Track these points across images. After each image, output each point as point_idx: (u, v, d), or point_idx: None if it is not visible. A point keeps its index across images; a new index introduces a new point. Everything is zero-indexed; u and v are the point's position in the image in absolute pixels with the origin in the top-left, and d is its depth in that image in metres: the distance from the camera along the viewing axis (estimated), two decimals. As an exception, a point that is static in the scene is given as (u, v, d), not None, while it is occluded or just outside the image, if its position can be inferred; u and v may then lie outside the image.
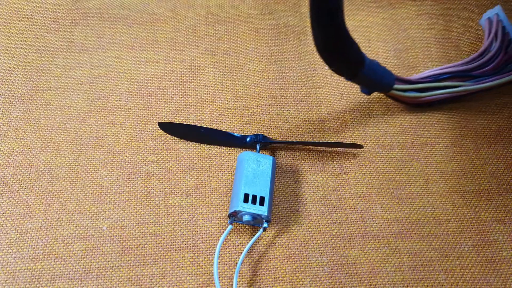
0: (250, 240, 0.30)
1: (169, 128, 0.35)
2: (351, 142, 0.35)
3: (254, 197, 0.30)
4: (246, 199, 0.30)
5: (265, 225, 0.30)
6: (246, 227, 0.31)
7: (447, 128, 0.36)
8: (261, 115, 0.37)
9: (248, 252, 0.30)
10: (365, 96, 0.38)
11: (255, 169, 0.31)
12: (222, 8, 0.43)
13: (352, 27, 0.42)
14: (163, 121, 0.36)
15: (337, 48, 0.28)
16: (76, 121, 0.36)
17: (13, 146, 0.35)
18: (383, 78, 0.33)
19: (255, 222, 0.30)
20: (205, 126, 0.35)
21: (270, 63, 0.40)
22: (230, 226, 0.30)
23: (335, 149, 0.35)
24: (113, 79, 0.39)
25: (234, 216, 0.30)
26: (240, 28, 0.42)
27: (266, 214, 0.29)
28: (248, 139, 0.34)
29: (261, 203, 0.30)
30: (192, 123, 0.36)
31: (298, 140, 0.35)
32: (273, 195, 0.33)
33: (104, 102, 0.37)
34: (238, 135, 0.35)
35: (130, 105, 0.37)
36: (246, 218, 0.30)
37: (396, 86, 0.34)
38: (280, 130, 0.36)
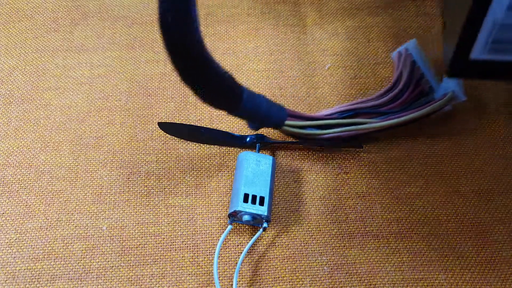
0: (250, 240, 0.30)
1: (169, 128, 0.35)
2: (351, 142, 0.35)
3: (254, 197, 0.30)
4: (246, 199, 0.30)
5: (265, 225, 0.30)
6: (246, 227, 0.31)
7: (446, 128, 0.36)
8: (261, 115, 0.37)
9: (248, 252, 0.30)
10: (365, 97, 0.38)
11: (255, 169, 0.31)
12: (221, 8, 0.43)
13: (352, 27, 0.42)
14: (163, 121, 0.36)
15: (200, 77, 0.25)
16: (76, 121, 0.36)
17: (12, 146, 0.35)
18: (270, 112, 0.30)
19: (255, 222, 0.30)
20: (205, 126, 0.35)
21: (270, 62, 0.40)
22: (230, 226, 0.30)
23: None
24: (113, 79, 0.39)
25: (234, 216, 0.30)
26: (239, 28, 0.42)
27: (266, 214, 0.29)
28: (248, 139, 0.34)
29: (261, 203, 0.30)
30: (192, 123, 0.36)
31: (298, 140, 0.35)
32: (273, 195, 0.33)
33: (104, 102, 0.37)
34: (238, 135, 0.35)
35: (130, 105, 0.37)
36: (246, 218, 0.30)
37: (289, 122, 0.32)
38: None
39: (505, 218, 0.32)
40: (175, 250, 0.31)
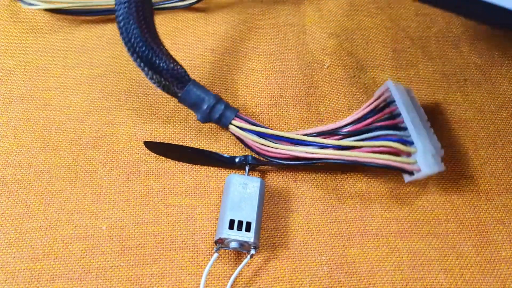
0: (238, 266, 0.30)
1: (156, 147, 0.34)
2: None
3: (240, 222, 0.29)
4: (231, 225, 0.28)
5: (252, 251, 0.29)
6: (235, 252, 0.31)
7: (446, 129, 0.36)
8: (260, 115, 0.37)
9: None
10: (364, 95, 0.38)
11: (242, 193, 0.30)
12: (221, 7, 0.44)
13: (350, 28, 0.42)
14: (163, 121, 0.36)
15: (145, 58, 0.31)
16: (75, 120, 0.36)
17: (12, 146, 0.35)
18: (215, 107, 0.32)
19: (243, 249, 0.29)
20: (192, 147, 0.34)
21: (270, 62, 0.40)
22: (215, 254, 0.29)
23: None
24: (113, 79, 0.39)
25: (221, 243, 0.29)
26: (239, 27, 0.42)
27: (252, 240, 0.28)
28: (237, 159, 0.33)
29: (248, 229, 0.28)
30: (191, 122, 0.36)
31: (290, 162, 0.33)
32: (262, 219, 0.31)
33: (104, 101, 0.37)
34: (227, 156, 0.33)
35: (130, 104, 0.37)
36: (233, 245, 0.29)
37: (236, 122, 0.32)
38: (280, 129, 0.36)
39: (505, 218, 0.32)
40: (175, 250, 0.31)
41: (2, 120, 0.36)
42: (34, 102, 0.37)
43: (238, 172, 0.33)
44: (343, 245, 0.31)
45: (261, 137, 0.32)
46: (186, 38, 0.42)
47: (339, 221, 0.32)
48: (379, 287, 0.29)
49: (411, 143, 0.30)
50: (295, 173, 0.34)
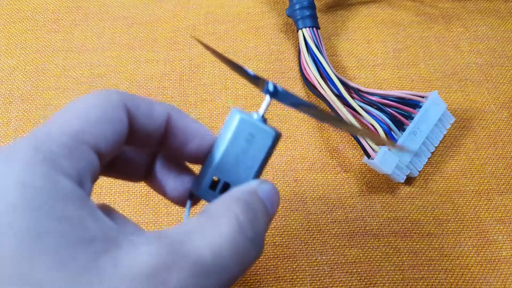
0: None
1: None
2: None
3: (226, 186, 0.20)
4: (214, 186, 0.20)
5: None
6: None
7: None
8: (260, 115, 0.37)
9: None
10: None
11: (244, 147, 0.20)
12: (222, 7, 0.44)
13: (351, 28, 0.42)
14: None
15: None
16: (75, 120, 0.36)
17: (12, 146, 0.35)
18: None
19: None
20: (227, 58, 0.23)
21: (270, 62, 0.40)
22: (189, 202, 0.21)
23: (337, 145, 0.35)
24: (113, 79, 0.39)
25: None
26: (239, 27, 0.42)
27: None
28: (260, 80, 0.21)
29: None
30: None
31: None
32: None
33: (104, 101, 0.37)
34: (252, 74, 0.21)
35: (130, 104, 0.37)
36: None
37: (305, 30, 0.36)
38: (280, 129, 0.36)
39: (505, 218, 0.32)
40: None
41: (2, 120, 0.36)
42: (34, 102, 0.37)
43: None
44: (344, 245, 0.31)
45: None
46: (186, 38, 0.42)
47: (339, 221, 0.32)
48: (380, 287, 0.29)
49: (394, 140, 0.32)
50: (296, 172, 0.34)
